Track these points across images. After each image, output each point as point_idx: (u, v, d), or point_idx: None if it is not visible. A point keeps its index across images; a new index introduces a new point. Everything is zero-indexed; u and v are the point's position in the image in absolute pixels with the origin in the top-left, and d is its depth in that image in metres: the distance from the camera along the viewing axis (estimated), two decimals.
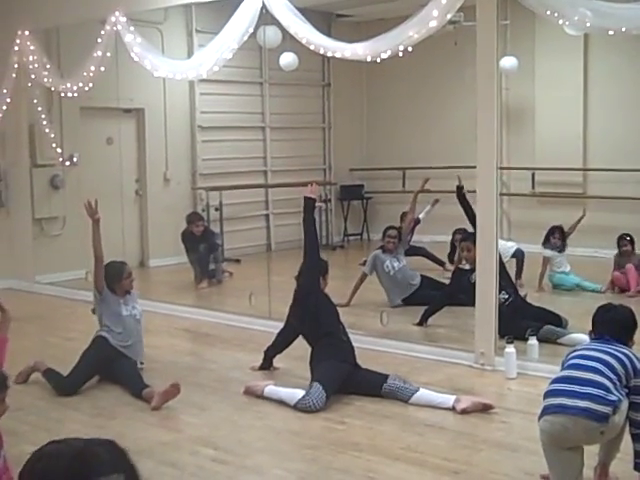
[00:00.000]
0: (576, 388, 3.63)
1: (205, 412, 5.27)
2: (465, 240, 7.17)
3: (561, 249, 8.79)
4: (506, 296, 6.85)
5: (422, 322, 7.28)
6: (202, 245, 9.55)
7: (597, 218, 10.70)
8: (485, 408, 5.06)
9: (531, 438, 4.09)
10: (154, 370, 6.17)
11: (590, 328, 4.02)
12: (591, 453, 3.88)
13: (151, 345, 6.91)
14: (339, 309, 5.85)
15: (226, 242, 10.57)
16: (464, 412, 5.00)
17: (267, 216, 12.12)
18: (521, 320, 6.60)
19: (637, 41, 7.34)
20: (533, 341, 6.11)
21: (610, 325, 3.89)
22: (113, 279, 5.96)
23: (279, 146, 12.24)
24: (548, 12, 5.69)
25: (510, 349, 5.84)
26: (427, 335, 7.05)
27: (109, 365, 5.74)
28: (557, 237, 8.79)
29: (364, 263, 8.54)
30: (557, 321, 6.84)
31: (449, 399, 5.14)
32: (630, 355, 3.74)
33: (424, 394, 5.25)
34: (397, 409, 5.16)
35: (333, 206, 12.74)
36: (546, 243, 8.82)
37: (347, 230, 12.96)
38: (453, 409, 5.05)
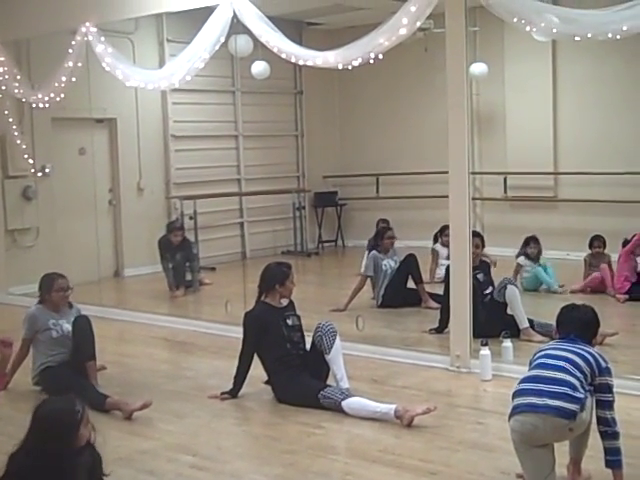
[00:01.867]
0: (544, 387, 3.70)
1: (183, 419, 5.28)
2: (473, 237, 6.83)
3: (537, 259, 8.86)
4: (490, 290, 6.99)
5: (442, 329, 6.94)
6: (179, 254, 9.57)
7: (568, 221, 10.87)
8: (427, 412, 4.98)
9: (507, 438, 4.14)
10: (131, 379, 6.18)
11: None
12: (563, 452, 3.95)
13: (128, 354, 6.93)
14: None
15: (201, 250, 10.58)
16: (410, 423, 4.94)
17: (241, 224, 12.14)
18: (497, 320, 6.70)
19: (604, 45, 7.45)
20: (508, 343, 6.18)
21: (574, 324, 3.96)
22: (45, 289, 5.92)
23: (252, 154, 12.27)
24: (515, 19, 5.77)
25: (485, 351, 5.91)
26: (402, 339, 7.10)
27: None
28: (533, 246, 8.84)
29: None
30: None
31: (389, 408, 5.04)
32: (594, 354, 3.83)
33: (359, 400, 5.20)
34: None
35: (307, 213, 12.78)
36: (522, 253, 8.86)
37: (321, 237, 13.00)
38: (398, 419, 4.98)
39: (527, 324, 6.83)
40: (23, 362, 5.96)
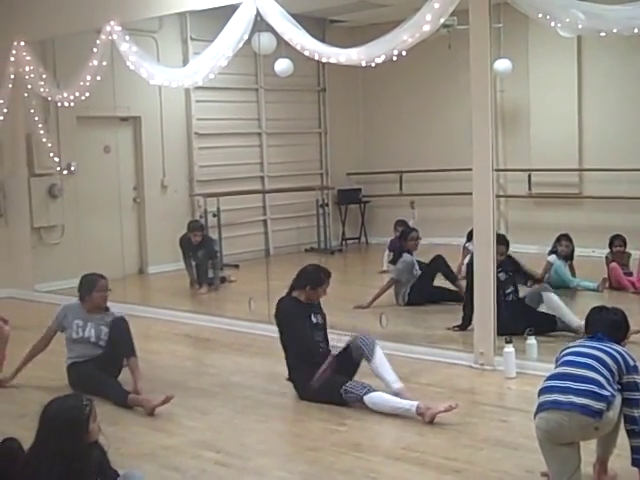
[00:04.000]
0: (570, 384, 3.67)
1: (207, 416, 5.31)
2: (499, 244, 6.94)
3: (568, 258, 8.80)
4: (511, 290, 6.95)
5: (466, 326, 6.91)
6: (200, 251, 9.61)
7: (593, 218, 10.78)
8: (449, 409, 4.97)
9: (531, 436, 4.12)
10: (155, 376, 6.20)
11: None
12: (590, 450, 3.92)
13: (152, 351, 6.97)
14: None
15: (224, 248, 10.62)
16: (432, 420, 4.93)
17: (265, 221, 12.16)
18: (521, 318, 6.65)
19: (630, 41, 7.40)
20: (532, 340, 6.14)
21: (604, 325, 3.95)
22: (85, 289, 5.91)
23: (276, 152, 12.28)
24: (540, 15, 5.73)
25: (509, 349, 5.88)
26: (426, 336, 7.09)
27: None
28: (565, 245, 8.76)
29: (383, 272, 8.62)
30: (551, 322, 6.88)
31: (411, 404, 5.04)
32: (622, 352, 3.80)
33: (381, 395, 5.18)
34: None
35: (331, 210, 12.77)
36: (553, 250, 8.81)
37: (345, 234, 12.99)
38: (420, 416, 4.97)
39: (578, 322, 6.55)
40: (38, 354, 5.98)
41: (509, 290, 6.99)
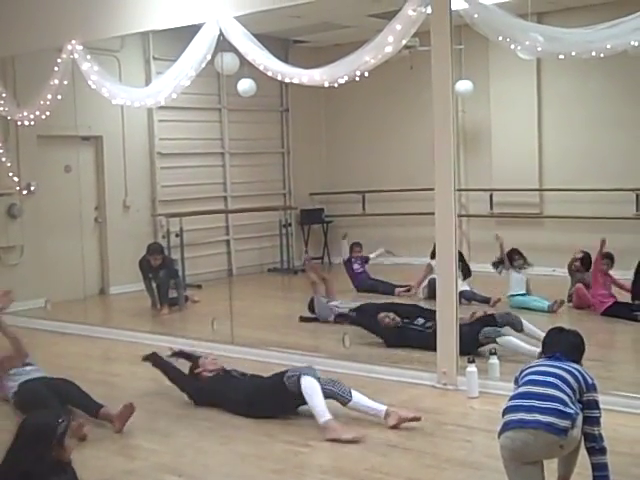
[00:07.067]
0: (535, 403, 3.69)
1: (169, 438, 5.24)
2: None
3: (520, 267, 8.94)
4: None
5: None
6: (161, 272, 9.53)
7: (554, 238, 10.89)
8: (413, 419, 5.17)
9: (494, 456, 4.14)
10: (116, 398, 6.11)
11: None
12: (551, 470, 3.93)
13: (113, 373, 6.89)
14: None
15: (187, 268, 10.55)
16: (394, 427, 5.12)
17: (228, 241, 12.12)
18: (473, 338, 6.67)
19: (588, 63, 7.53)
20: (494, 360, 6.16)
21: (563, 345, 3.99)
22: None
23: (239, 172, 12.27)
24: (500, 37, 5.82)
25: (472, 368, 5.90)
26: (389, 356, 7.09)
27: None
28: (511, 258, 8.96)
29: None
30: (493, 322, 6.95)
31: (381, 410, 5.22)
32: (581, 370, 3.85)
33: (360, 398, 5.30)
34: (361, 430, 5.14)
35: (294, 230, 12.78)
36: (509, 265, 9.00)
37: (308, 254, 12.97)
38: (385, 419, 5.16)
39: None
40: None
41: None
